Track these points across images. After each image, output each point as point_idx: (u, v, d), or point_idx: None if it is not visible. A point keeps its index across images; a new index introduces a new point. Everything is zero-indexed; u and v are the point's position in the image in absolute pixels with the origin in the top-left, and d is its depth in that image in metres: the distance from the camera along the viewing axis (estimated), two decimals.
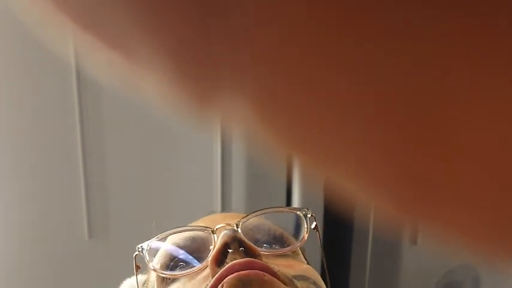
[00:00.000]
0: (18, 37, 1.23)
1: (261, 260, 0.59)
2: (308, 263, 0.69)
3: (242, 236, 0.61)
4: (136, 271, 0.68)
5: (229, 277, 0.56)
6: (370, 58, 0.12)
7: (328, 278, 0.70)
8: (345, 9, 0.12)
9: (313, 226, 0.69)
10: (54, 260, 1.39)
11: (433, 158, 0.13)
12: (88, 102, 1.30)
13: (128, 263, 0.77)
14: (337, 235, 1.37)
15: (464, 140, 0.13)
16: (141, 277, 0.70)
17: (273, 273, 0.57)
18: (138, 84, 0.16)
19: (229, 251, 0.59)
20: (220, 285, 0.56)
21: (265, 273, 0.56)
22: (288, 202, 1.33)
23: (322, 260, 0.75)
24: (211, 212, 0.77)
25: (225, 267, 0.57)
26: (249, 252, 0.59)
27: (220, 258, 0.59)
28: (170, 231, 0.67)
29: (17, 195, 1.36)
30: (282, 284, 0.57)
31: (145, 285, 0.69)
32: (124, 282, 0.73)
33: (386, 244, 1.43)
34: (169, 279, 0.64)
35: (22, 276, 1.40)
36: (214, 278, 0.57)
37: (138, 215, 1.36)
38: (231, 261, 0.58)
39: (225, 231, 0.61)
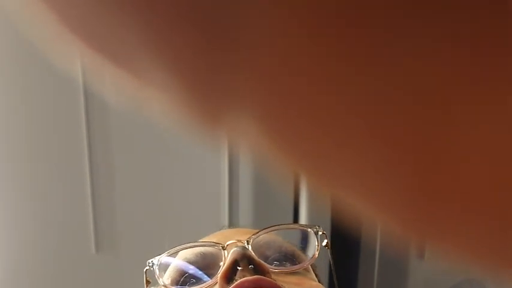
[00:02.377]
0: (26, 54, 1.23)
1: (270, 277, 0.59)
2: (319, 280, 0.68)
3: (252, 253, 0.61)
4: (147, 286, 0.68)
5: None
6: (375, 77, 0.12)
7: None
8: (349, 29, 0.12)
9: (324, 243, 0.70)
10: (60, 274, 1.39)
11: (438, 175, 0.13)
12: (95, 119, 1.30)
13: (135, 277, 0.77)
14: (344, 251, 1.36)
15: (469, 156, 0.13)
16: None
17: None
18: (145, 103, 0.16)
19: (239, 268, 0.59)
20: None
21: None
22: (295, 219, 1.33)
23: (331, 276, 0.74)
24: (223, 227, 0.77)
25: (234, 284, 0.57)
26: (258, 269, 0.59)
27: (230, 275, 0.59)
28: (181, 247, 0.67)
29: (23, 208, 1.36)
30: None
31: None
32: None
33: (393, 259, 1.42)
34: None
35: None
36: None
37: (146, 229, 1.36)
38: (240, 278, 0.58)
39: (235, 248, 0.61)
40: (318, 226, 0.70)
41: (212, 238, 0.68)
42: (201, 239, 0.69)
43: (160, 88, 0.15)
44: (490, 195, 0.13)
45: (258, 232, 0.66)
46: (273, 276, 0.60)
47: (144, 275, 0.67)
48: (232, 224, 1.34)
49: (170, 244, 0.68)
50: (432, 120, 0.12)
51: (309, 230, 0.70)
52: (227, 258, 0.61)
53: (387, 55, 0.12)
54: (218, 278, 0.60)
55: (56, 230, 1.36)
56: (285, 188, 1.25)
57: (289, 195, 1.33)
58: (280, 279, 0.60)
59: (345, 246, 1.35)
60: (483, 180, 0.13)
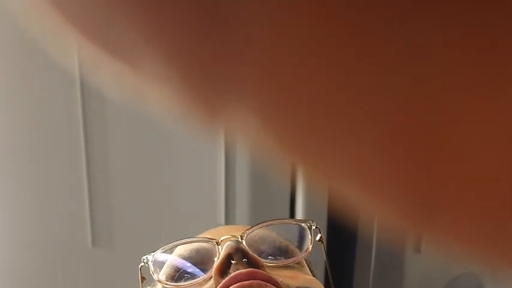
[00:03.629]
0: (23, 47, 1.23)
1: (264, 270, 0.59)
2: (314, 276, 0.69)
3: (245, 247, 0.61)
4: (142, 283, 0.68)
5: (232, 287, 0.56)
6: (376, 67, 0.12)
7: None
8: (348, 21, 0.12)
9: (317, 238, 0.70)
10: (57, 268, 1.39)
11: (436, 166, 0.13)
12: (92, 112, 1.30)
13: (131, 272, 0.77)
14: (341, 244, 1.36)
15: (468, 148, 0.13)
16: None
17: (276, 284, 0.57)
18: (143, 96, 0.16)
19: (233, 262, 0.60)
20: None
21: (267, 284, 0.56)
22: (292, 211, 1.33)
23: (326, 271, 0.75)
24: (218, 225, 0.77)
25: (228, 277, 0.57)
26: (252, 263, 0.59)
27: (224, 269, 0.60)
28: (175, 243, 0.68)
29: (20, 202, 1.36)
30: None
31: None
32: None
33: (389, 252, 1.42)
34: None
35: (24, 285, 1.40)
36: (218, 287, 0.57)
37: (142, 223, 1.36)
38: (234, 271, 0.58)
39: (229, 243, 0.62)
40: (312, 221, 0.71)
41: (206, 235, 0.69)
42: (197, 235, 0.69)
43: (158, 80, 0.15)
44: (488, 187, 0.13)
45: (251, 227, 0.66)
46: (267, 270, 0.60)
47: (139, 272, 0.68)
48: (228, 218, 1.34)
49: (166, 239, 0.69)
50: (432, 110, 0.12)
51: (303, 224, 0.71)
52: (221, 252, 0.62)
53: (388, 46, 0.12)
54: (212, 272, 0.61)
55: (53, 224, 1.36)
56: (282, 182, 1.25)
57: (285, 188, 1.33)
58: (274, 273, 0.61)
59: (342, 240, 1.36)
60: (483, 172, 0.13)
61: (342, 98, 0.13)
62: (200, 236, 0.69)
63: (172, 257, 0.67)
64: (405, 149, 0.13)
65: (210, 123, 0.16)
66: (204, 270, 0.64)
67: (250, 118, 0.14)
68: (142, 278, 0.68)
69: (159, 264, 0.67)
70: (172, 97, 0.15)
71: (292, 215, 1.33)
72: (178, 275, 0.65)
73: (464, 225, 0.14)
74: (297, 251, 0.69)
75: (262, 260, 0.62)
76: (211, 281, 0.61)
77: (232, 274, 0.58)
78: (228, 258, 0.60)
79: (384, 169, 0.14)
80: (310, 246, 0.69)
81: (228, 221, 1.34)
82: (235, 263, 0.60)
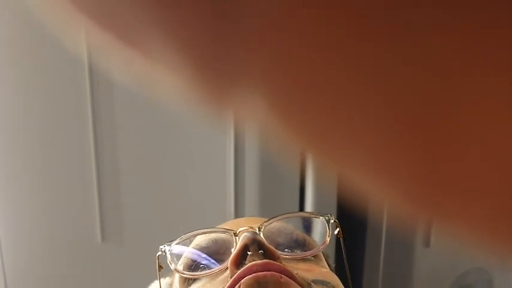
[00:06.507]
0: (32, 34, 1.23)
1: (280, 262, 0.59)
2: (332, 269, 0.69)
3: (262, 238, 0.62)
4: (159, 271, 0.69)
5: (246, 278, 0.57)
6: (381, 55, 0.12)
7: (350, 284, 0.71)
8: (356, 10, 0.12)
9: (336, 232, 0.70)
10: (66, 263, 1.39)
11: (448, 154, 0.13)
12: (101, 101, 1.30)
13: (141, 266, 0.77)
14: (350, 236, 1.36)
15: (481, 135, 0.13)
16: (167, 280, 0.71)
17: (291, 276, 0.57)
18: (153, 83, 0.16)
19: (249, 253, 0.60)
20: (237, 286, 0.57)
21: (282, 275, 0.57)
22: (301, 200, 1.33)
23: (338, 264, 0.75)
24: (228, 217, 0.78)
25: (243, 268, 0.58)
26: (268, 254, 0.60)
27: (240, 260, 0.60)
28: (193, 233, 0.68)
29: (29, 197, 1.36)
30: (298, 287, 0.57)
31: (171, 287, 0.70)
32: (151, 284, 0.74)
33: (399, 246, 1.42)
34: (190, 279, 0.66)
35: (34, 280, 1.41)
36: (232, 278, 0.58)
37: (152, 217, 1.37)
38: (250, 263, 0.58)
39: (246, 234, 0.62)
40: (330, 214, 0.71)
41: (225, 226, 0.69)
42: (207, 227, 0.69)
43: (168, 66, 0.15)
44: (500, 177, 0.13)
45: (269, 219, 0.67)
46: (283, 262, 0.60)
47: (157, 260, 0.68)
48: (238, 208, 1.34)
49: (175, 233, 0.69)
50: (441, 99, 0.12)
51: (321, 218, 0.71)
52: (238, 243, 0.62)
53: (400, 31, 0.12)
54: (228, 263, 0.61)
55: (63, 219, 1.37)
56: (292, 171, 1.25)
57: (295, 177, 1.33)
58: (291, 266, 0.61)
59: (351, 232, 1.35)
60: (494, 161, 0.13)
61: (351, 83, 0.13)
62: (219, 226, 0.69)
63: (189, 247, 0.68)
64: (416, 136, 0.13)
65: (219, 108, 0.16)
66: (221, 261, 0.64)
67: (259, 103, 0.14)
68: (160, 267, 0.68)
69: (177, 254, 0.68)
70: (182, 83, 0.15)
71: (301, 204, 1.33)
72: (195, 264, 0.66)
73: (474, 211, 0.14)
74: (314, 244, 0.69)
75: (279, 252, 0.62)
76: (227, 272, 0.61)
77: (247, 265, 0.58)
78: (245, 249, 0.61)
79: (394, 156, 0.14)
80: (328, 239, 0.69)
81: (238, 211, 1.34)
82: (252, 254, 0.60)
